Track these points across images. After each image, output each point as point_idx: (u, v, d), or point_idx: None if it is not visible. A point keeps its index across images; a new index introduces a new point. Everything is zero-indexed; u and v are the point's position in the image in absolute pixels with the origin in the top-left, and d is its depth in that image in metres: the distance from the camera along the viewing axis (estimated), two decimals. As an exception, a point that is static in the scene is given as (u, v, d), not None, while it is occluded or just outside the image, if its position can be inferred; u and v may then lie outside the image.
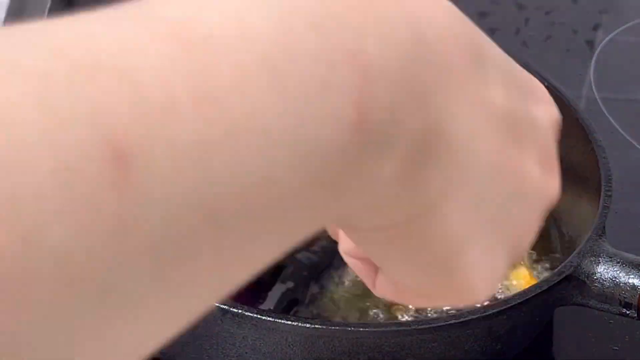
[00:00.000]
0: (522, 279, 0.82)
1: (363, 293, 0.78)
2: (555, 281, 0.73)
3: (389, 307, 0.77)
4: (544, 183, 0.47)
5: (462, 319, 0.70)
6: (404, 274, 0.44)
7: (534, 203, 0.46)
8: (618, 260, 0.75)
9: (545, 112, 0.49)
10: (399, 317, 0.78)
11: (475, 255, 0.43)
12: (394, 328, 0.69)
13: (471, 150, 0.40)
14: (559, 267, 0.76)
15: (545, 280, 0.73)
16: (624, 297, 0.74)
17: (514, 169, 0.44)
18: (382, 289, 0.48)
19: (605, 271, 0.74)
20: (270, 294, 0.77)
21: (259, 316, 0.68)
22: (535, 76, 0.98)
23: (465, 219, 0.41)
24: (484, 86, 0.41)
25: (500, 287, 0.82)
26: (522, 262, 0.83)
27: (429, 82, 0.37)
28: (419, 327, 0.69)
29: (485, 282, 0.44)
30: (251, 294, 0.77)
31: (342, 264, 0.80)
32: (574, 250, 0.77)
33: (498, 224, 0.44)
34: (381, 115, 0.35)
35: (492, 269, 0.44)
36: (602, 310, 0.76)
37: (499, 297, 0.81)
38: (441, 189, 0.39)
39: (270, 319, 0.68)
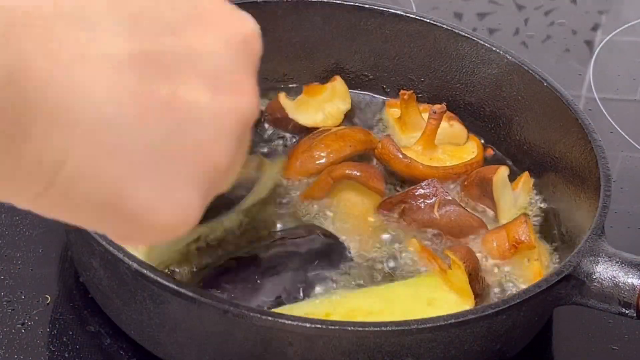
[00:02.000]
0: (533, 274, 0.82)
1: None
2: (555, 281, 0.73)
3: None
4: (221, 104, 0.48)
5: (462, 319, 0.70)
6: (93, 225, 0.48)
7: (214, 127, 0.48)
8: (617, 259, 0.75)
9: (215, 33, 0.49)
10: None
11: (144, 193, 0.46)
12: (394, 328, 0.69)
13: (89, 100, 0.43)
14: (558, 267, 0.76)
15: (545, 280, 0.74)
16: (623, 297, 0.74)
17: (164, 102, 0.45)
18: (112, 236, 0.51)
19: (604, 271, 0.74)
20: None
21: (258, 316, 0.68)
22: (534, 76, 0.99)
23: (113, 163, 0.44)
24: (93, 34, 0.43)
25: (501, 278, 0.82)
26: (537, 259, 0.83)
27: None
28: (419, 327, 0.69)
29: (175, 213, 0.47)
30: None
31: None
32: (573, 249, 0.77)
33: (167, 157, 0.46)
34: None
35: (177, 200, 0.47)
36: (601, 310, 0.76)
37: (508, 292, 0.81)
38: (59, 146, 0.43)
39: (270, 318, 0.68)
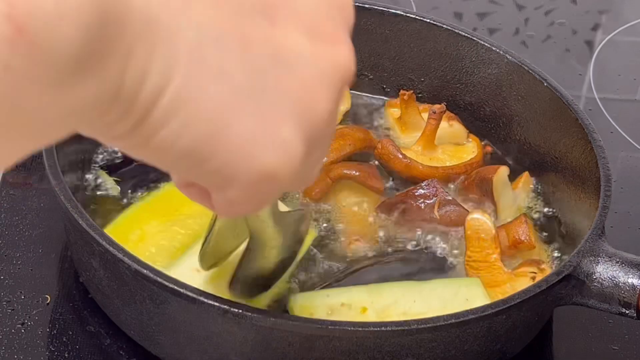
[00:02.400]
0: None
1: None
2: (555, 281, 0.73)
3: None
4: (320, 50, 0.47)
5: (462, 319, 0.70)
6: (184, 166, 0.46)
7: (316, 68, 0.47)
8: (617, 259, 0.75)
9: None
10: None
11: (246, 123, 0.44)
12: (394, 328, 0.69)
13: (189, 17, 0.42)
14: (558, 267, 0.76)
15: (545, 280, 0.73)
16: (624, 297, 0.74)
17: (263, 35, 0.45)
18: (218, 204, 0.50)
19: (604, 271, 0.74)
20: None
21: (259, 316, 0.68)
22: (534, 76, 0.99)
23: (217, 87, 0.43)
24: None
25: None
26: (543, 268, 0.82)
27: None
28: (419, 327, 0.69)
29: (276, 149, 0.46)
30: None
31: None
32: (574, 249, 0.77)
33: (272, 87, 0.45)
34: (41, 22, 0.36)
35: (278, 135, 0.46)
36: (601, 310, 0.76)
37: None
38: (163, 64, 0.41)
39: (270, 318, 0.68)
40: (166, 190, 0.87)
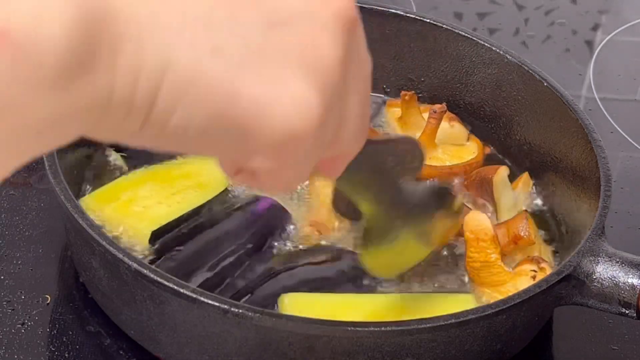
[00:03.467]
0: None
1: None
2: (555, 281, 0.73)
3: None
4: (312, 6, 0.47)
5: (462, 319, 0.70)
6: (207, 146, 0.47)
7: (310, 19, 0.47)
8: (617, 259, 0.75)
9: None
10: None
11: (255, 87, 0.45)
12: (394, 328, 0.69)
13: (171, 14, 0.42)
14: (558, 267, 0.76)
15: (545, 280, 0.74)
16: (623, 297, 0.74)
17: (254, 8, 0.45)
18: (262, 179, 0.50)
19: (604, 271, 0.74)
20: None
21: (259, 316, 0.68)
22: (534, 76, 0.99)
23: (217, 62, 0.43)
24: None
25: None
26: (542, 267, 0.82)
27: None
28: (419, 327, 0.69)
29: (292, 104, 0.46)
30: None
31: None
32: (574, 249, 0.77)
33: (270, 50, 0.45)
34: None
35: (290, 91, 0.46)
36: (601, 310, 0.76)
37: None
38: (159, 51, 0.42)
39: (270, 318, 0.68)
40: (168, 162, 0.88)
